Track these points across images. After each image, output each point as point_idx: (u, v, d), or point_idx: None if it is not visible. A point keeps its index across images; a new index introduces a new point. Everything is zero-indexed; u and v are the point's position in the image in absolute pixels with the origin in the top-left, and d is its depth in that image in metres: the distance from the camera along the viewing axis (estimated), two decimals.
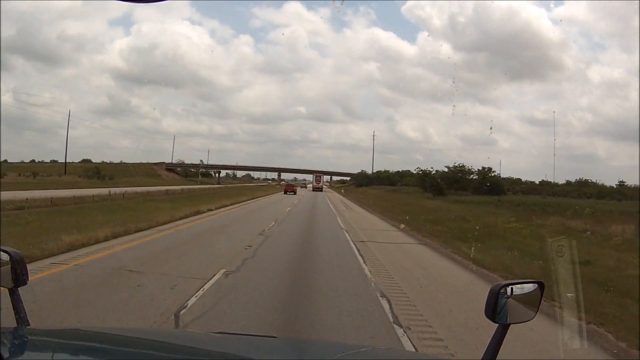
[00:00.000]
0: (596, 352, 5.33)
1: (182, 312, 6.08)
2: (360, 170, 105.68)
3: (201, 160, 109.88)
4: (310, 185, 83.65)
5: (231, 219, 21.64)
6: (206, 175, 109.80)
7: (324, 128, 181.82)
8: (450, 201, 40.49)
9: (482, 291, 5.88)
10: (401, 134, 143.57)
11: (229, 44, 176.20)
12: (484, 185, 53.21)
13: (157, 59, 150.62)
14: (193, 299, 6.67)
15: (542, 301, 1.87)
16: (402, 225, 18.83)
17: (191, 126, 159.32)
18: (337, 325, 5.84)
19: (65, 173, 72.44)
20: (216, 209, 26.00)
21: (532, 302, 1.80)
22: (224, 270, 8.83)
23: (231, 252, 11.28)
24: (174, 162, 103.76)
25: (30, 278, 1.82)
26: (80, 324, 5.23)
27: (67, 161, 79.24)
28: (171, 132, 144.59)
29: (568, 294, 5.27)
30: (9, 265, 1.75)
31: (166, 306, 6.28)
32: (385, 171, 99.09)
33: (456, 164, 60.35)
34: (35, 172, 69.17)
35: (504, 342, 1.67)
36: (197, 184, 75.62)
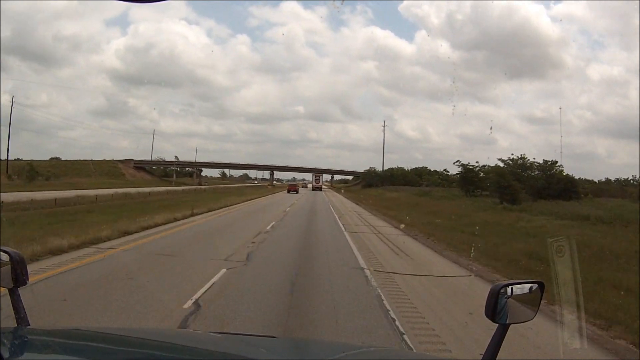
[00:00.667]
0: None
1: None
2: (368, 168, 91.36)
3: (176, 157, 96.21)
4: (311, 185, 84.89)
5: (144, 263, 9.86)
6: (189, 174, 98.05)
7: (323, 128, 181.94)
8: (546, 215, 24.05)
9: None
10: (400, 133, 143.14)
11: (226, 44, 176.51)
12: (552, 186, 37.30)
13: (154, 59, 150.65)
14: None
15: (542, 301, 1.87)
16: None
17: (189, 126, 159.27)
18: None
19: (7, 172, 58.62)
20: (139, 231, 14.39)
21: (532, 302, 1.80)
22: None
23: None
24: (153, 159, 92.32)
25: None
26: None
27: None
28: (169, 133, 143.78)
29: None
30: (9, 265, 1.75)
31: None
32: (399, 168, 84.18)
33: (513, 156, 43.95)
34: None
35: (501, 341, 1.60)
36: (172, 185, 67.32)
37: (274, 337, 2.40)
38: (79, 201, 26.47)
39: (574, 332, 5.37)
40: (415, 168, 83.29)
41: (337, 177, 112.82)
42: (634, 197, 35.26)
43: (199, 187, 68.17)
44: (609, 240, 14.03)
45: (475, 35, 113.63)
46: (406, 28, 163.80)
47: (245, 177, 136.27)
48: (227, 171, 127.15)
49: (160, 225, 16.32)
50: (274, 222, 19.21)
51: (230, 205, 29.93)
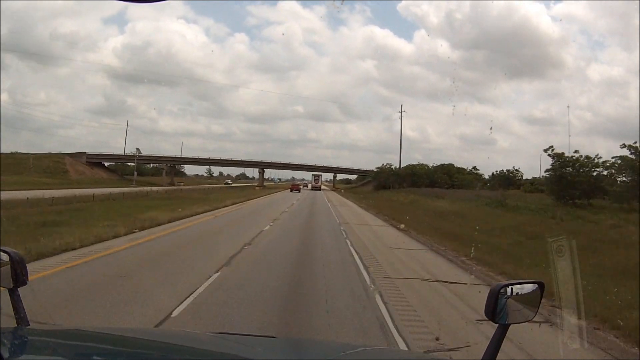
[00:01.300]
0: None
1: None
2: (381, 165, 75.98)
3: (137, 149, 78.48)
4: (310, 185, 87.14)
5: None
6: (168, 173, 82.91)
7: (322, 127, 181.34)
8: None
9: None
10: (399, 133, 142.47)
11: (224, 42, 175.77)
12: None
13: (153, 57, 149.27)
14: None
15: (542, 301, 1.86)
16: None
17: (188, 125, 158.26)
18: None
19: None
20: None
21: (532, 302, 1.80)
22: None
23: None
24: (127, 153, 77.58)
25: None
26: None
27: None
28: (168, 132, 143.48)
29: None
30: (9, 265, 1.75)
31: None
32: (421, 165, 69.03)
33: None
34: None
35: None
36: (132, 185, 57.36)
37: (274, 337, 2.40)
38: None
39: (573, 332, 5.38)
40: (442, 165, 69.11)
41: (339, 177, 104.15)
42: None
43: (157, 188, 53.99)
44: None
45: (475, 34, 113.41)
46: (405, 27, 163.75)
47: (242, 177, 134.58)
48: (225, 170, 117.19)
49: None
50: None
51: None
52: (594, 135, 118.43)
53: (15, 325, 1.75)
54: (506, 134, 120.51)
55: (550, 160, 31.69)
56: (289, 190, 72.26)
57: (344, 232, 17.68)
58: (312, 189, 78.94)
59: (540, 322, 6.18)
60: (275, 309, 6.82)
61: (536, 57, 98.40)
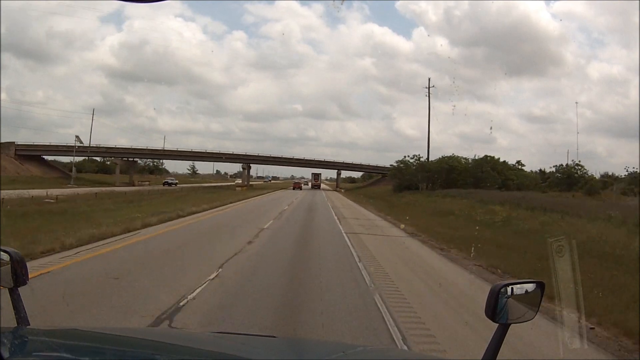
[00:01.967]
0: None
1: None
2: (405, 157, 56.54)
3: (77, 137, 60.77)
4: (310, 184, 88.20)
5: None
6: (147, 169, 67.26)
7: (321, 126, 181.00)
8: None
9: None
10: (399, 132, 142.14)
11: (222, 40, 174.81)
12: None
13: (150, 55, 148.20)
14: None
15: (542, 301, 1.87)
16: None
17: (186, 124, 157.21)
18: None
19: None
20: None
21: (532, 302, 1.81)
22: None
23: None
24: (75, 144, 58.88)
25: None
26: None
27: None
28: (167, 130, 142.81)
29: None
30: (9, 265, 1.76)
31: None
32: (455, 157, 52.05)
33: None
34: None
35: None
36: (68, 185, 45.70)
37: (274, 336, 2.40)
38: None
39: (574, 332, 5.38)
40: (485, 157, 51.21)
41: (344, 174, 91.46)
42: None
43: (122, 188, 45.87)
44: None
45: (474, 32, 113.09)
46: (404, 25, 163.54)
47: (239, 176, 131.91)
48: (222, 167, 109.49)
49: None
50: None
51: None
52: (594, 132, 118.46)
53: (15, 325, 1.75)
54: (505, 131, 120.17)
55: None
56: (291, 188, 73.49)
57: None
58: (311, 187, 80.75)
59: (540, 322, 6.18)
60: None
61: (536, 55, 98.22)
